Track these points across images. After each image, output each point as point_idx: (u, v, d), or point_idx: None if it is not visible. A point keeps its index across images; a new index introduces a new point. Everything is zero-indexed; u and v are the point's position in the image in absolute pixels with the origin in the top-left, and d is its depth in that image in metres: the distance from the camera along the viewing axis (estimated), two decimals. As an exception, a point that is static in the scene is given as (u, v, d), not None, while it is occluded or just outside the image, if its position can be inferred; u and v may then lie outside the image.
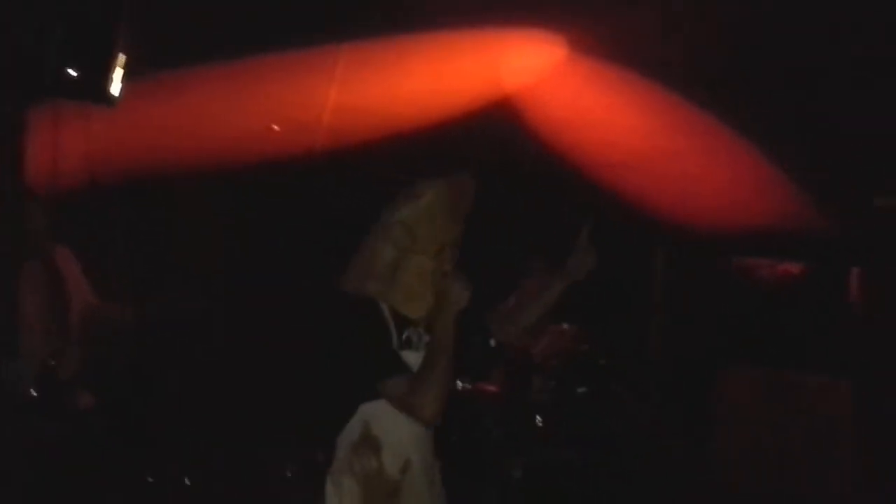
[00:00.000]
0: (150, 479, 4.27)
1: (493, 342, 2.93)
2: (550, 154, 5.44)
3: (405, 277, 2.50)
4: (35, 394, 3.72)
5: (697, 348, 6.53)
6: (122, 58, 3.35)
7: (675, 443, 6.09)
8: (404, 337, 2.50)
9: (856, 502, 5.52)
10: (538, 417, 5.30)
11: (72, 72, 3.18)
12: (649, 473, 5.68)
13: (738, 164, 5.64)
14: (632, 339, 6.54)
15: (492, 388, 5.44)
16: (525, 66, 4.96)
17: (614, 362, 5.88)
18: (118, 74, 3.34)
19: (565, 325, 5.52)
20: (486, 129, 5.10)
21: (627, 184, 5.95)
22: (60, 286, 3.95)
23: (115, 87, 3.36)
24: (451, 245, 2.55)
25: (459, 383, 5.51)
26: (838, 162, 5.37)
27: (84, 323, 4.05)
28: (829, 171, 5.50)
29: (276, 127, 5.05)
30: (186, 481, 4.79)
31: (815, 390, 6.01)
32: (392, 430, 2.52)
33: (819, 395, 6.01)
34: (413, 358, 2.50)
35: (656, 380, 6.50)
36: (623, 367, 6.11)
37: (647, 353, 6.65)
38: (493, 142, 5.31)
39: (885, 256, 5.79)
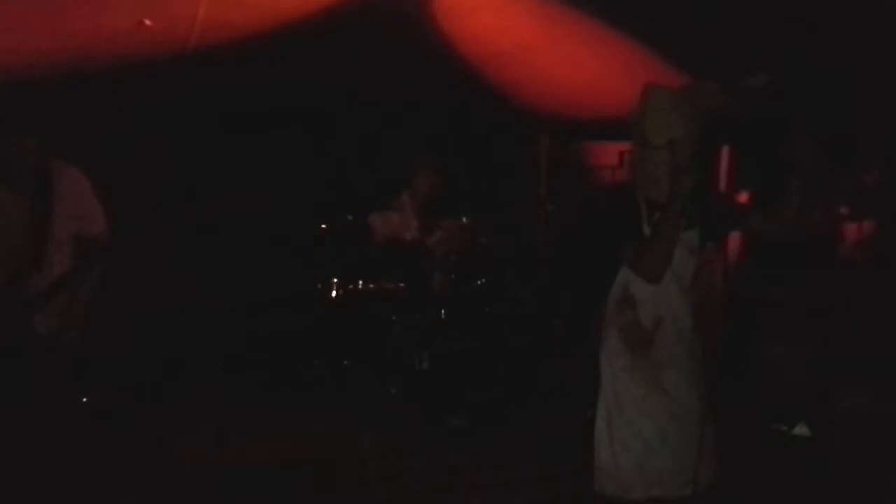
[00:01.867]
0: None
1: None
2: (439, 40, 5.35)
3: (646, 168, 3.07)
4: None
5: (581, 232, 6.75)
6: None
7: (560, 323, 6.35)
8: (655, 218, 3.04)
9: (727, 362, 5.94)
10: (442, 310, 5.39)
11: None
12: (538, 353, 5.91)
13: (611, 49, 5.74)
14: (521, 227, 6.69)
15: (395, 285, 5.48)
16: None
17: (507, 252, 6.02)
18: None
19: (463, 219, 5.58)
20: (373, 14, 4.93)
21: (513, 73, 5.96)
22: (48, 210, 3.85)
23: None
24: (682, 139, 3.06)
25: (361, 282, 5.52)
26: (706, 46, 5.54)
27: (75, 249, 3.88)
28: (698, 55, 5.68)
29: (148, 22, 4.69)
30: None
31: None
32: (644, 289, 3.09)
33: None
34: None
35: (544, 265, 6.69)
36: (514, 257, 6.27)
37: (537, 240, 6.82)
38: (380, 28, 5.15)
39: (752, 135, 6.11)
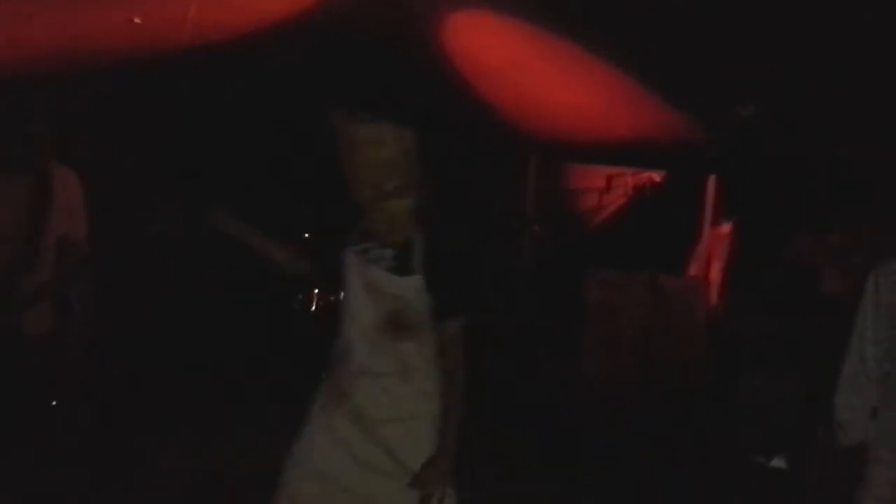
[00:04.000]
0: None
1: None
2: (426, 53, 5.35)
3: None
4: None
5: (566, 254, 6.73)
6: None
7: (545, 344, 6.32)
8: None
9: (710, 394, 5.94)
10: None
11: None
12: (521, 376, 5.88)
13: (599, 75, 5.75)
14: (507, 249, 6.66)
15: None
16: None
17: (491, 270, 5.98)
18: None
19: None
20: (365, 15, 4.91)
21: (500, 91, 5.96)
22: (45, 208, 3.78)
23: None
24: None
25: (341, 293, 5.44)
26: (698, 73, 5.56)
27: (60, 250, 3.82)
28: (689, 82, 5.70)
29: (137, 20, 4.64)
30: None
31: (672, 289, 6.37)
32: None
33: (675, 293, 6.37)
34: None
35: (529, 286, 6.66)
36: (498, 279, 6.24)
37: (521, 260, 6.79)
38: (368, 39, 5.13)
39: (743, 165, 6.13)
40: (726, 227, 6.53)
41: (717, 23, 4.95)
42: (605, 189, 7.01)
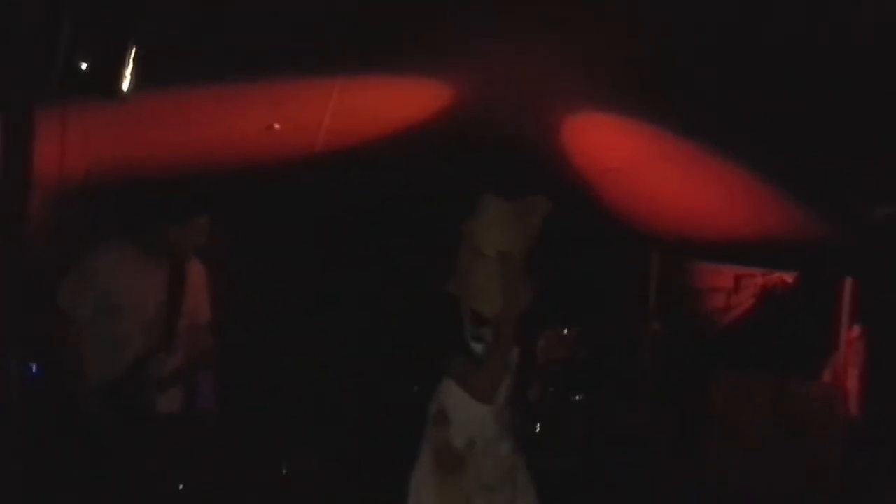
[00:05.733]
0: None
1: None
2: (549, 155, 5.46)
3: (475, 278, 2.92)
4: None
5: (690, 354, 6.56)
6: (133, 52, 3.30)
7: (666, 448, 6.12)
8: (478, 332, 2.91)
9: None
10: (537, 424, 5.29)
11: (83, 65, 3.14)
12: (642, 479, 5.69)
13: (724, 174, 5.71)
14: (625, 344, 6.56)
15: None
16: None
17: (609, 368, 5.89)
18: (130, 69, 3.29)
19: (565, 330, 5.52)
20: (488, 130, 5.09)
21: (623, 189, 5.98)
22: (181, 294, 4.08)
23: (127, 82, 3.31)
24: (517, 254, 2.93)
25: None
26: (833, 171, 5.42)
27: (192, 335, 4.13)
28: (824, 181, 5.55)
29: (276, 125, 5.00)
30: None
31: (805, 396, 6.08)
32: (457, 408, 2.91)
33: (809, 400, 6.08)
34: (480, 349, 2.92)
35: (649, 386, 6.51)
36: (617, 373, 6.14)
37: (641, 359, 6.66)
38: (494, 144, 5.31)
39: (881, 266, 5.86)
40: (856, 331, 6.21)
41: (857, 117, 4.84)
42: (734, 290, 6.83)
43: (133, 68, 3.31)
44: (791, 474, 5.88)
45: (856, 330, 6.29)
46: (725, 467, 6.09)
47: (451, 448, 2.88)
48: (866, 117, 4.75)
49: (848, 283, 6.43)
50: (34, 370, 4.37)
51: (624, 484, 5.57)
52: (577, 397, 5.50)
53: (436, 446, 2.91)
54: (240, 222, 5.04)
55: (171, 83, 4.24)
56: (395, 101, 5.01)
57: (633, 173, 5.87)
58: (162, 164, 4.87)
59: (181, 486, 4.55)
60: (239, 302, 4.53)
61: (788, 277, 6.69)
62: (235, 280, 4.41)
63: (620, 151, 5.72)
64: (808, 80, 4.49)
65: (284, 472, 5.37)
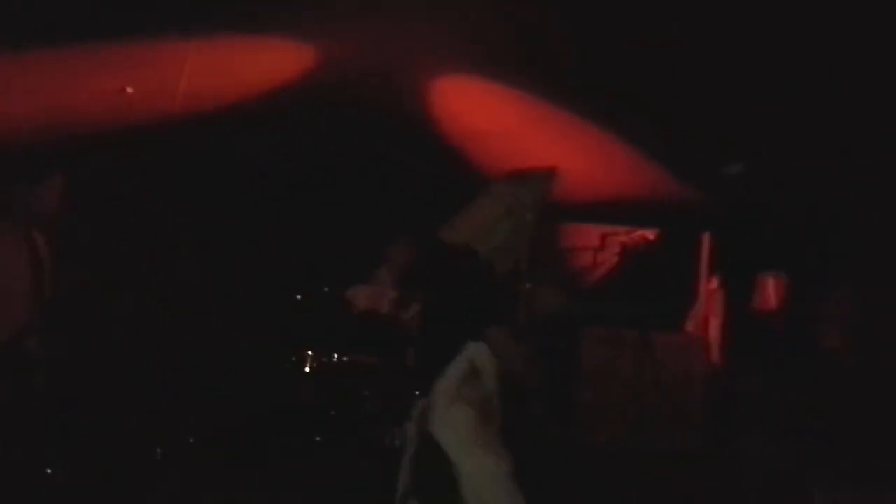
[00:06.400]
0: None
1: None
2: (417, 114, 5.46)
3: (497, 235, 3.28)
4: None
5: (560, 312, 6.72)
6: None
7: (540, 403, 6.25)
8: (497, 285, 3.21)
9: (708, 456, 5.85)
10: (415, 387, 5.29)
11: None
12: (517, 433, 5.80)
13: (589, 138, 5.86)
14: (500, 303, 6.65)
15: (369, 359, 5.41)
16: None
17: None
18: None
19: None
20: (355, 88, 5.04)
21: (493, 153, 6.05)
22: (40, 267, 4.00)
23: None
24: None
25: (336, 356, 5.45)
26: (688, 133, 5.64)
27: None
28: (680, 143, 5.78)
29: (129, 89, 4.78)
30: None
31: (668, 347, 6.33)
32: (488, 364, 3.25)
33: (671, 351, 6.32)
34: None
35: (524, 344, 6.63)
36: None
37: (514, 318, 6.77)
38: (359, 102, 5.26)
39: (733, 221, 6.15)
40: (714, 283, 6.52)
41: (704, 83, 5.05)
42: (600, 247, 7.01)
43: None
44: (657, 423, 6.12)
45: (714, 282, 6.58)
46: (596, 419, 6.29)
47: (490, 401, 3.22)
48: (714, 80, 4.97)
49: (706, 238, 6.72)
50: None
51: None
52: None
53: (477, 402, 3.18)
54: (95, 186, 4.82)
55: (20, 46, 4.03)
56: (257, 63, 4.89)
57: (502, 137, 5.93)
58: (11, 127, 4.60)
59: (48, 472, 4.39)
60: (94, 274, 4.34)
61: (650, 234, 6.93)
62: (87, 250, 4.22)
63: (490, 116, 5.77)
64: (662, 44, 4.65)
65: (159, 452, 5.20)
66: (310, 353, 5.51)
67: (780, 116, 5.19)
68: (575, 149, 6.02)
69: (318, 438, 5.49)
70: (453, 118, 5.66)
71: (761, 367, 5.96)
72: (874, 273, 5.82)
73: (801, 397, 5.56)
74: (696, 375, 6.31)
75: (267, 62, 4.89)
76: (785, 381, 5.76)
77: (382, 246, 5.62)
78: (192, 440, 5.49)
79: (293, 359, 5.61)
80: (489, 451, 3.13)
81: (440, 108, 5.55)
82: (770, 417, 5.63)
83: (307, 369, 5.52)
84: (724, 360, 6.47)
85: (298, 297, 5.84)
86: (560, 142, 5.97)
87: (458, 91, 5.47)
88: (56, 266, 4.09)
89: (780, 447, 5.25)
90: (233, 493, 4.87)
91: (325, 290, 5.80)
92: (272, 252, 6.14)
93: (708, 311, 6.66)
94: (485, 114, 5.76)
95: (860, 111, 4.97)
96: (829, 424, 5.30)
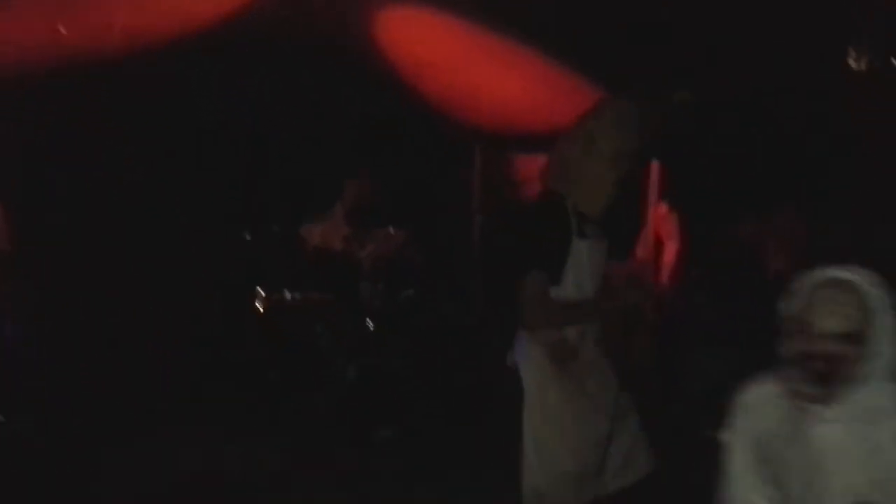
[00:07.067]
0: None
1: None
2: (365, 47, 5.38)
3: (586, 180, 3.01)
4: None
5: (513, 246, 6.75)
6: None
7: (496, 341, 6.32)
8: (582, 228, 3.06)
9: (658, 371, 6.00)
10: (368, 321, 5.33)
11: None
12: (468, 368, 5.87)
13: (537, 68, 5.84)
14: (454, 240, 6.68)
15: (322, 294, 5.42)
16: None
17: (437, 265, 5.99)
18: None
19: (391, 230, 5.54)
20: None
21: (441, 84, 6.00)
22: None
23: None
24: (627, 155, 3.10)
25: (288, 293, 5.44)
26: (635, 61, 5.65)
27: None
28: (627, 71, 5.79)
29: (62, 30, 4.62)
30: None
31: (619, 273, 6.40)
32: None
33: (622, 277, 6.40)
34: (584, 245, 3.11)
35: (476, 280, 6.68)
36: (446, 269, 6.25)
37: (468, 254, 6.81)
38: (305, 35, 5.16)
39: (681, 148, 6.20)
40: (664, 208, 6.58)
41: (650, 12, 5.06)
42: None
43: None
44: (611, 344, 6.22)
45: (663, 207, 6.64)
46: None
47: (567, 343, 3.09)
48: (659, 11, 4.98)
49: (654, 166, 6.77)
50: None
51: (454, 376, 5.72)
52: (407, 294, 5.55)
53: (549, 344, 3.06)
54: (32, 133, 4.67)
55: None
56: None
57: (450, 68, 5.88)
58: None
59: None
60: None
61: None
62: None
63: (437, 46, 5.71)
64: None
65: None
66: (261, 291, 5.50)
67: (732, 40, 5.23)
68: (526, 78, 5.99)
69: (271, 375, 5.52)
70: (403, 50, 5.59)
71: (711, 288, 6.08)
72: (819, 196, 5.96)
73: (747, 314, 5.70)
74: (646, 299, 6.40)
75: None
76: (733, 300, 5.89)
77: (336, 182, 5.59)
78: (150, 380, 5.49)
79: (246, 297, 5.60)
80: (565, 390, 3.12)
81: (389, 39, 5.47)
82: (719, 336, 5.77)
83: (259, 307, 5.52)
84: (679, 282, 6.58)
85: (248, 237, 5.81)
86: (511, 71, 5.94)
87: (407, 22, 5.39)
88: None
89: (727, 362, 5.40)
90: (192, 429, 4.86)
91: (275, 228, 5.77)
92: (221, 194, 6.06)
93: (663, 235, 6.73)
94: (429, 44, 5.70)
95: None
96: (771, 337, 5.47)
